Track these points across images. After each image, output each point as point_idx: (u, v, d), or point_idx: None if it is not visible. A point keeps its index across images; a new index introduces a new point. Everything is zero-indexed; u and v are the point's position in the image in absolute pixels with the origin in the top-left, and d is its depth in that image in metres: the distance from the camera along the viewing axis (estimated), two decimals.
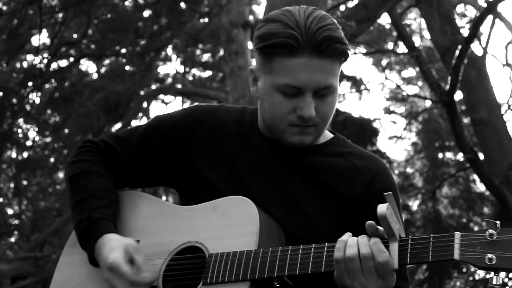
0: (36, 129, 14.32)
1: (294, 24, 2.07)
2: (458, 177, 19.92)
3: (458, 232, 1.87)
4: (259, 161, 2.25)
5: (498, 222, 1.80)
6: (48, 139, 14.89)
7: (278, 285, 2.03)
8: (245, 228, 2.11)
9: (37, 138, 14.74)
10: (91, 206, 2.27)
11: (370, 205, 2.11)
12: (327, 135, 2.32)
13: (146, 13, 13.44)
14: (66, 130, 14.47)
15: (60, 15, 10.64)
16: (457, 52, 8.45)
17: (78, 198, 2.31)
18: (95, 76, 15.36)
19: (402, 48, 15.57)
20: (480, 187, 19.31)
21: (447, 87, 8.96)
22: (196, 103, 2.46)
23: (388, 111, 19.94)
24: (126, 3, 13.33)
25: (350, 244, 1.96)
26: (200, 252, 2.16)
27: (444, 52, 10.06)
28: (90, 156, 2.39)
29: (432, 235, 1.89)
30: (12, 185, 15.84)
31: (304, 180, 2.21)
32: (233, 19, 12.26)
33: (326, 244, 2.00)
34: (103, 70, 15.24)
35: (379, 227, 1.94)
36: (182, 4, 13.71)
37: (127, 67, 14.31)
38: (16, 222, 15.99)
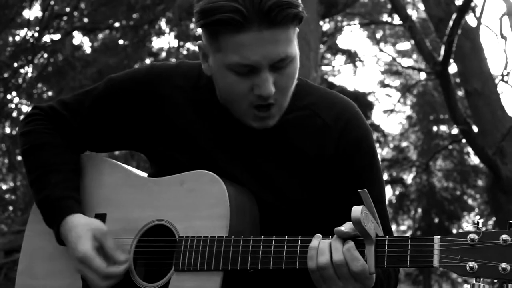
0: (29, 103, 14.23)
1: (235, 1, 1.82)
2: (452, 150, 19.92)
3: (438, 236, 1.72)
4: (219, 131, 2.08)
5: (480, 221, 1.68)
6: None
7: (253, 270, 1.93)
8: (215, 210, 1.99)
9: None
10: (49, 182, 2.12)
11: (344, 160, 2.03)
12: None
13: None
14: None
15: None
16: (451, 23, 8.40)
17: (34, 174, 2.16)
18: (88, 50, 15.30)
19: (396, 21, 15.50)
20: (474, 159, 19.37)
21: (441, 58, 8.93)
22: (152, 63, 2.23)
23: (382, 84, 19.89)
24: None
25: (321, 250, 1.82)
26: (169, 232, 2.05)
27: (438, 23, 10.01)
28: (40, 125, 2.21)
29: (410, 236, 1.76)
30: (6, 160, 15.79)
31: (269, 145, 2.06)
32: None
33: (300, 238, 1.87)
34: (96, 44, 15.15)
35: (347, 229, 1.80)
36: None
37: (121, 41, 14.23)
38: (12, 197, 15.97)
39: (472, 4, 9.37)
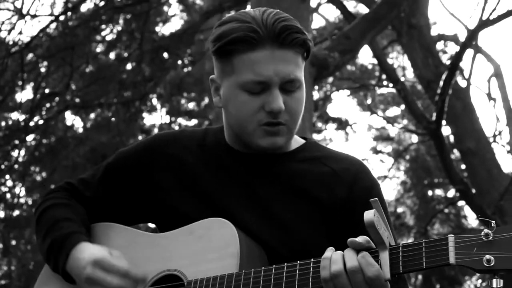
0: (21, 185, 14.17)
1: (251, 19, 2.02)
2: (448, 214, 19.88)
3: (452, 235, 1.75)
4: (230, 179, 2.14)
5: (493, 221, 1.71)
6: (35, 196, 14.72)
7: None
8: (225, 251, 1.98)
9: (23, 197, 14.61)
10: (61, 227, 2.18)
11: (355, 208, 2.05)
12: (299, 140, 2.21)
13: (129, 65, 13.50)
14: (53, 186, 14.34)
15: (43, 69, 10.68)
16: (441, 83, 8.49)
17: (44, 230, 2.21)
18: (80, 129, 15.33)
19: (385, 88, 15.68)
20: (471, 223, 19.31)
21: (433, 118, 8.98)
22: (156, 133, 2.38)
23: (375, 151, 19.96)
24: (111, 55, 13.41)
25: (334, 260, 1.83)
26: (178, 280, 2.04)
27: (427, 85, 10.12)
28: (56, 195, 2.31)
29: (424, 239, 1.78)
30: (0, 245, 15.60)
31: (281, 191, 2.10)
32: None
33: (312, 260, 1.88)
34: (88, 123, 15.21)
35: (361, 240, 1.82)
36: (165, 54, 13.79)
37: (113, 119, 14.30)
38: (5, 282, 15.71)
39: (461, 65, 9.48)
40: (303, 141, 2.22)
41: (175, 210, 2.15)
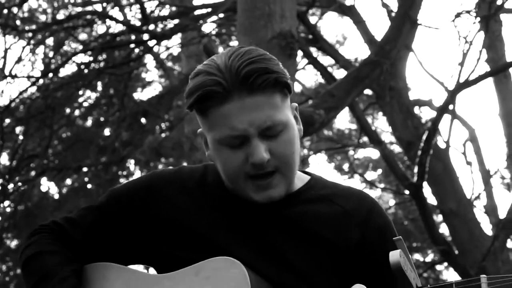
0: None
1: (216, 69, 1.89)
2: (428, 278, 19.79)
3: (484, 275, 1.65)
4: (234, 223, 2.01)
5: None
6: (10, 264, 14.39)
7: None
8: None
9: None
10: (48, 285, 2.02)
11: (370, 250, 1.97)
12: (303, 177, 2.09)
13: (107, 130, 13.48)
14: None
15: (20, 133, 10.60)
16: (421, 144, 8.56)
17: (32, 283, 2.05)
18: (56, 196, 15.13)
19: (362, 153, 15.80)
20: None
21: (415, 178, 9.01)
22: (153, 171, 2.22)
23: None
24: (89, 120, 13.39)
25: None
26: None
27: (407, 147, 10.19)
28: (41, 237, 2.14)
29: (454, 281, 1.66)
30: None
31: (291, 235, 1.98)
32: (196, 128, 12.33)
33: None
34: (64, 189, 15.03)
35: None
36: (143, 120, 13.79)
37: (89, 185, 14.15)
38: None
39: (439, 127, 9.59)
40: (307, 178, 2.10)
41: (174, 256, 2.02)
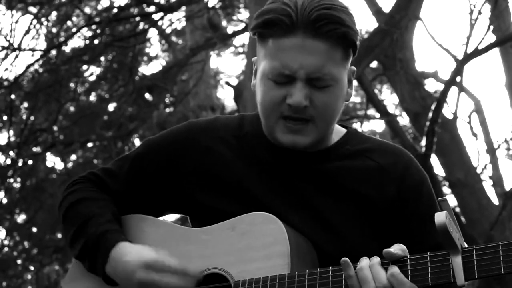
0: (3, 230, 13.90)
1: (292, 2, 1.89)
2: None
3: None
4: (271, 176, 2.01)
5: None
6: (17, 238, 14.43)
7: None
8: (273, 249, 1.85)
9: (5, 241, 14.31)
10: (92, 225, 2.03)
11: (407, 205, 1.97)
12: (339, 131, 2.08)
13: (111, 106, 13.44)
14: (34, 229, 14.09)
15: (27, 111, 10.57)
16: (430, 114, 8.55)
17: (76, 226, 2.07)
18: (62, 171, 15.14)
19: (367, 125, 15.77)
20: None
21: (423, 149, 9.02)
22: (189, 120, 2.23)
23: None
24: (93, 95, 13.35)
25: (362, 279, 1.75)
26: (224, 280, 1.92)
27: (414, 118, 10.18)
28: (81, 185, 2.16)
29: (501, 242, 1.66)
30: None
31: (326, 190, 1.98)
32: (201, 102, 12.32)
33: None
34: (69, 164, 15.04)
35: (397, 250, 1.75)
36: (147, 95, 13.76)
37: (95, 161, 14.16)
38: None
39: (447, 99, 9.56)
40: (343, 131, 2.09)
41: (209, 206, 2.03)
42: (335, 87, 1.92)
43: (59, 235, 13.73)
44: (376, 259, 1.77)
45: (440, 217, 1.64)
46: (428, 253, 1.76)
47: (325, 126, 1.96)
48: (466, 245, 1.72)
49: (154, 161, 2.11)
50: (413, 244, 1.89)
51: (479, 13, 8.17)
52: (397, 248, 1.78)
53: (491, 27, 8.46)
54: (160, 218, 2.17)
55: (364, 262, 1.78)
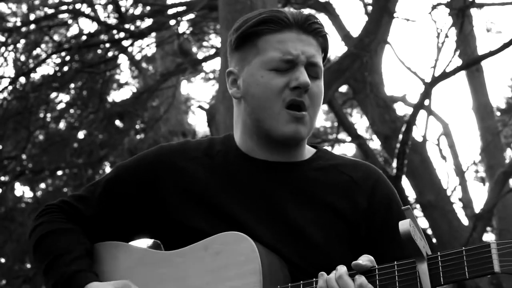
0: None
1: (276, 10, 2.10)
2: None
3: (494, 241, 1.67)
4: (244, 188, 2.05)
5: None
6: None
7: None
8: (245, 267, 1.88)
9: None
10: (63, 263, 2.02)
11: (377, 217, 2.03)
12: (311, 149, 2.16)
13: (81, 133, 13.37)
14: (3, 260, 13.90)
15: None
16: (400, 136, 8.64)
17: (46, 262, 2.05)
18: (30, 200, 14.96)
19: (338, 148, 15.87)
20: None
21: (394, 171, 9.10)
22: (160, 144, 2.25)
23: None
24: (62, 123, 13.27)
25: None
26: None
27: (385, 141, 10.27)
28: (51, 216, 2.15)
29: (464, 248, 1.70)
30: None
31: (301, 201, 2.03)
32: (172, 128, 12.31)
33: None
34: (38, 193, 14.88)
35: (364, 262, 1.79)
36: (118, 122, 13.70)
37: (65, 189, 14.02)
38: None
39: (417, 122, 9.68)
40: (314, 150, 2.16)
41: (185, 225, 2.03)
42: (321, 80, 2.09)
43: (28, 265, 13.53)
44: (343, 270, 1.80)
45: (404, 225, 1.68)
46: (395, 262, 1.78)
47: (314, 120, 2.09)
48: (430, 253, 1.74)
49: (127, 184, 2.12)
50: (383, 255, 1.92)
51: (446, 36, 8.31)
52: (365, 259, 1.82)
53: (458, 51, 8.60)
54: (133, 243, 2.16)
55: (332, 274, 1.82)
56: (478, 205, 12.69)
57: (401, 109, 16.19)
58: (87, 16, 9.83)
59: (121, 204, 2.11)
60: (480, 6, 11.41)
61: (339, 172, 2.08)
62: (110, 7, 10.03)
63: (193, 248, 1.98)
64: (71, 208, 2.15)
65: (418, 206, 10.35)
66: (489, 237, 14.28)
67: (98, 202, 2.13)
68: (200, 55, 12.90)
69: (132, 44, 10.76)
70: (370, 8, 9.27)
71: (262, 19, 2.07)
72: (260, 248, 1.91)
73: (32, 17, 10.64)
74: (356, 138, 9.20)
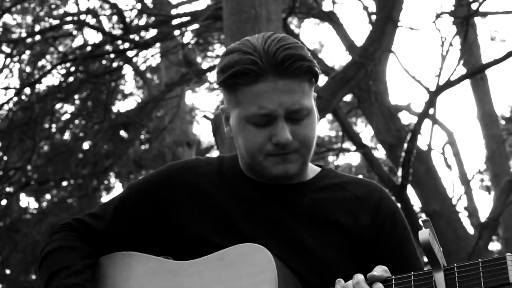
0: None
1: (252, 50, 1.98)
2: None
3: (510, 254, 1.73)
4: (251, 209, 2.07)
5: None
6: None
7: None
8: (260, 276, 1.88)
9: None
10: (59, 278, 2.05)
11: (382, 233, 2.05)
12: (315, 169, 2.17)
13: (86, 144, 13.38)
14: (8, 271, 13.89)
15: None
16: (405, 145, 8.63)
17: (46, 277, 2.09)
18: (35, 211, 14.98)
19: (343, 158, 15.85)
20: None
21: (399, 180, 9.08)
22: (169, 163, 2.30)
23: None
24: (67, 133, 13.29)
25: None
26: None
27: (390, 150, 10.26)
28: (62, 234, 2.19)
29: (480, 259, 1.75)
30: None
31: (305, 220, 2.05)
32: (177, 138, 12.32)
33: None
34: (44, 203, 14.90)
35: (379, 273, 1.83)
36: (122, 132, 13.73)
37: (69, 200, 14.04)
38: None
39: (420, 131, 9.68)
40: (319, 169, 2.18)
41: (199, 240, 2.05)
42: (310, 116, 2.02)
43: (33, 276, 13.54)
44: (360, 277, 1.83)
45: (423, 234, 1.72)
46: (412, 272, 1.81)
47: (308, 154, 2.05)
48: (446, 264, 1.78)
49: (139, 203, 2.15)
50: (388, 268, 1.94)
51: (450, 45, 8.31)
52: (380, 270, 1.85)
53: (462, 60, 8.60)
54: (148, 255, 2.18)
55: (349, 282, 1.85)
56: (483, 214, 12.67)
57: (406, 118, 16.24)
58: (92, 27, 9.88)
59: (133, 222, 2.15)
60: (484, 14, 11.44)
61: (343, 190, 2.10)
62: (115, 18, 10.07)
63: (208, 258, 2.00)
64: (84, 226, 2.19)
65: (423, 215, 10.30)
66: (495, 246, 14.25)
67: (111, 220, 2.16)
68: (205, 65, 12.91)
69: (137, 55, 10.79)
70: (374, 17, 9.30)
71: (234, 72, 1.97)
72: (277, 260, 1.93)
73: (37, 28, 10.68)
74: (361, 147, 9.19)
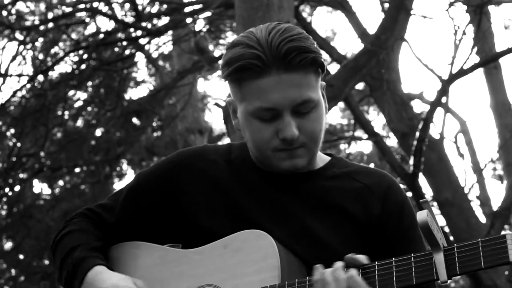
0: None
1: (256, 43, 1.94)
2: None
3: (510, 232, 1.72)
4: (259, 197, 2.08)
5: None
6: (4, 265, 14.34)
7: None
8: (264, 263, 1.91)
9: None
10: (72, 255, 2.08)
11: (390, 222, 2.06)
12: (324, 157, 2.16)
13: (99, 131, 13.43)
14: (21, 256, 14.01)
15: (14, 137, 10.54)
16: (417, 134, 8.61)
17: (60, 259, 2.12)
18: (48, 197, 15.08)
19: (354, 146, 15.84)
20: None
21: (411, 169, 9.07)
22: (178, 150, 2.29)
23: None
24: (80, 120, 13.34)
25: (325, 281, 1.85)
26: None
27: (402, 138, 10.24)
28: (74, 222, 2.22)
29: (480, 239, 1.75)
30: None
31: (314, 208, 2.05)
32: (189, 125, 12.34)
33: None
34: (56, 190, 14.99)
35: (356, 256, 1.86)
36: (135, 120, 13.77)
37: (82, 186, 14.12)
38: None
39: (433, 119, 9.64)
40: (328, 158, 2.17)
41: (206, 227, 2.07)
42: (317, 108, 2.00)
43: (47, 262, 13.65)
44: (340, 264, 1.85)
45: (421, 215, 1.71)
46: (412, 254, 1.82)
47: (315, 147, 2.04)
48: (446, 245, 1.78)
49: (148, 192, 2.17)
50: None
51: (463, 33, 8.26)
52: (361, 256, 1.88)
53: (475, 48, 8.55)
54: (155, 244, 2.20)
55: (330, 268, 1.87)
56: (496, 203, 12.61)
57: (418, 107, 16.22)
58: (105, 14, 9.89)
59: (143, 211, 2.16)
60: (498, 3, 11.36)
61: (352, 179, 2.10)
62: (127, 5, 10.08)
63: (212, 246, 2.02)
64: (95, 215, 2.22)
65: (435, 203, 10.29)
66: None
67: (121, 209, 2.18)
68: (217, 53, 12.91)
69: (149, 42, 10.81)
70: (386, 5, 9.25)
71: (238, 67, 1.94)
72: (280, 246, 1.95)
73: (50, 15, 10.71)
74: (373, 136, 9.18)
